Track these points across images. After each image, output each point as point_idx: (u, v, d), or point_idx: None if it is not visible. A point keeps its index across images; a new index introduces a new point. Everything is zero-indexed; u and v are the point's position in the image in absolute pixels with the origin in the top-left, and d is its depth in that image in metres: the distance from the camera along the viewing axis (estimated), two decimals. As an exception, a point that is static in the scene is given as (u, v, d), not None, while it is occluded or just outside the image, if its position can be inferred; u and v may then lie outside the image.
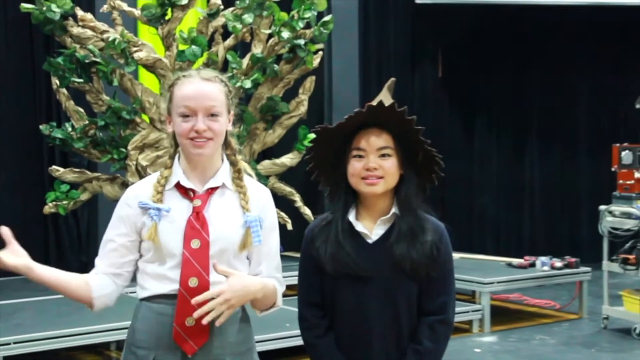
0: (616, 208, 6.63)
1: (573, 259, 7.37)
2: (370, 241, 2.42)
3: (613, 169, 6.95)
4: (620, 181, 6.84)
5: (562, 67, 10.50)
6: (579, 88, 10.64)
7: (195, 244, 2.34)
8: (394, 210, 2.43)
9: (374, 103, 2.38)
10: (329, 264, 2.40)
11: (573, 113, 10.65)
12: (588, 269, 7.34)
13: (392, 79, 2.58)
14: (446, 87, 10.73)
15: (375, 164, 2.38)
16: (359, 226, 2.43)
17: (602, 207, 6.72)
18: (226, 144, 2.49)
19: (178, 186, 2.41)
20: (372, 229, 2.43)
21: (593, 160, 10.27)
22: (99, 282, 2.44)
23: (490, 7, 10.02)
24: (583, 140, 10.62)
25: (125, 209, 2.44)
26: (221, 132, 2.40)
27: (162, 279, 2.37)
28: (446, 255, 2.46)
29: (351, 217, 2.43)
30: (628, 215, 6.48)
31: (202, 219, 2.36)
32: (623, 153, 6.85)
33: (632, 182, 6.74)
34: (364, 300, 2.40)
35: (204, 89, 2.38)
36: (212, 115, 2.37)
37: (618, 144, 6.97)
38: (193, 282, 2.32)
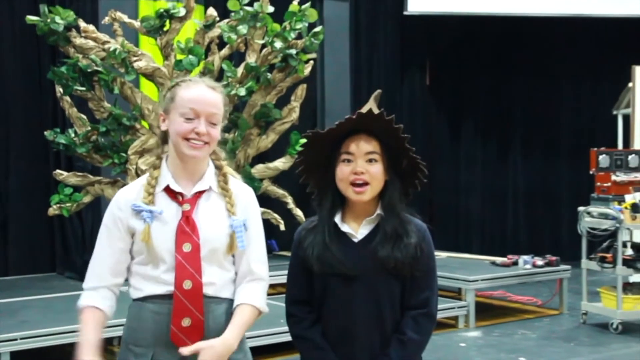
0: (594, 209, 6.62)
1: (554, 258, 7.34)
2: (355, 240, 2.43)
3: (591, 172, 6.93)
4: (598, 183, 6.84)
5: (543, 76, 10.52)
6: (559, 95, 10.65)
7: (186, 247, 2.32)
8: (378, 211, 2.44)
9: (364, 111, 2.39)
10: (316, 264, 2.41)
11: (554, 119, 10.65)
12: (568, 267, 7.33)
13: (378, 90, 2.57)
14: (434, 94, 10.72)
15: (363, 168, 2.38)
16: (345, 227, 2.44)
17: (581, 208, 6.70)
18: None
19: (167, 190, 2.38)
20: (357, 229, 2.44)
21: (573, 164, 10.24)
22: (108, 305, 2.41)
23: (475, 18, 10.02)
24: (563, 145, 10.62)
25: (117, 212, 2.39)
26: (216, 139, 2.39)
27: (156, 281, 2.35)
28: (429, 254, 2.46)
29: (337, 219, 2.44)
30: (605, 216, 6.45)
31: (192, 223, 2.34)
32: (600, 157, 6.84)
33: (609, 184, 6.75)
34: (350, 298, 2.41)
35: (210, 96, 2.37)
36: (213, 122, 2.36)
37: (596, 149, 6.96)
38: (187, 285, 2.31)
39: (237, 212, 2.41)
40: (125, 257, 2.39)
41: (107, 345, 5.87)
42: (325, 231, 2.41)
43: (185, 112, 2.33)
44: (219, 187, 2.43)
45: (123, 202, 2.39)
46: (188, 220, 2.34)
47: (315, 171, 2.51)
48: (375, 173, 2.39)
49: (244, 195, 2.48)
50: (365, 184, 2.39)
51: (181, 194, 2.37)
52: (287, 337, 4.46)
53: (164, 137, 2.44)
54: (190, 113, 2.33)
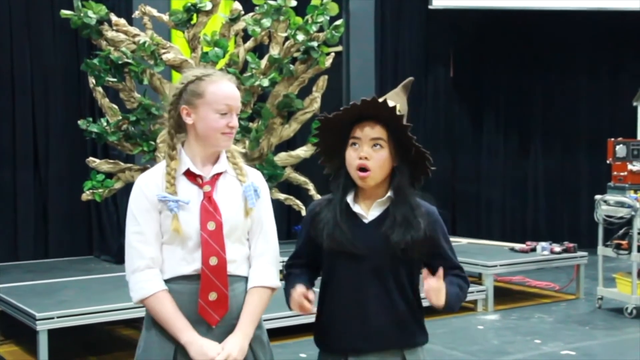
0: (611, 197, 6.57)
1: (571, 244, 7.29)
2: (365, 221, 2.41)
3: (608, 162, 6.87)
4: (615, 173, 6.77)
5: (564, 68, 10.42)
6: (579, 87, 10.52)
7: (211, 226, 2.35)
8: (389, 194, 2.42)
9: (381, 100, 2.36)
10: (326, 241, 2.39)
11: (573, 110, 10.52)
12: (585, 253, 7.27)
13: (410, 78, 2.56)
14: (457, 86, 10.71)
15: (367, 154, 2.36)
16: (356, 207, 2.42)
17: (598, 197, 6.65)
18: None
19: (187, 173, 2.40)
20: (367, 211, 2.42)
21: (591, 154, 10.14)
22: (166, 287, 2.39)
23: (497, 13, 9.95)
24: (582, 135, 10.48)
25: (144, 200, 2.39)
26: None
27: (181, 261, 2.37)
28: (443, 234, 2.47)
29: (349, 199, 2.43)
30: (621, 204, 6.42)
31: (214, 203, 2.38)
32: (617, 147, 6.78)
33: (625, 173, 6.68)
34: (357, 277, 2.38)
35: (236, 90, 2.44)
36: (237, 114, 2.44)
37: (613, 139, 6.87)
38: (213, 261, 2.34)
39: (247, 180, 2.47)
40: (159, 238, 2.39)
41: (140, 325, 5.86)
42: (337, 210, 2.40)
43: (221, 108, 2.38)
44: (229, 162, 2.48)
45: (145, 188, 2.40)
46: (210, 200, 2.37)
47: (332, 154, 2.50)
48: (379, 158, 2.37)
49: (253, 175, 2.52)
50: (367, 169, 2.36)
51: (200, 177, 2.40)
52: (304, 320, 4.33)
53: (178, 128, 2.44)
54: (226, 109, 2.38)
